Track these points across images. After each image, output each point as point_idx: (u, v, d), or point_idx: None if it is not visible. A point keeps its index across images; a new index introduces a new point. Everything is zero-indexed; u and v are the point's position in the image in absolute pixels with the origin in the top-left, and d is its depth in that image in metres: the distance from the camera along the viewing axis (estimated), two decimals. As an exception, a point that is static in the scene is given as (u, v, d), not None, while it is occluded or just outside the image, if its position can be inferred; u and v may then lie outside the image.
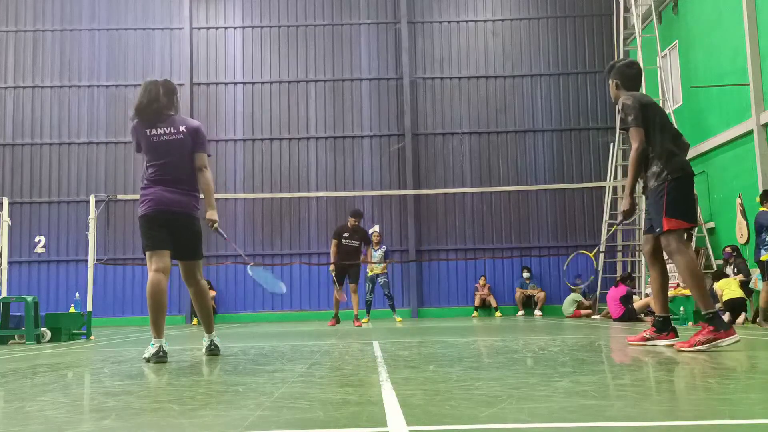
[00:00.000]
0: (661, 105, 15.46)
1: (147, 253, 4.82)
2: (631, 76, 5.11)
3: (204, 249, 5.39)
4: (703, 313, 4.56)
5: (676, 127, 5.00)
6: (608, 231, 15.39)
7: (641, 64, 14.68)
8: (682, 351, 4.44)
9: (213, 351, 5.08)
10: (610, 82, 5.17)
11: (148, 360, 4.62)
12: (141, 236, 4.88)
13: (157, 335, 4.67)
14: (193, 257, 5.00)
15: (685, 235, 5.01)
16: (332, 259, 11.52)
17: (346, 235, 11.44)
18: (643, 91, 5.33)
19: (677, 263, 4.65)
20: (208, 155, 5.01)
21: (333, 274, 11.53)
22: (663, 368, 3.59)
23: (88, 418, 2.38)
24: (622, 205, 4.95)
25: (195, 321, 16.28)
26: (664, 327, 5.04)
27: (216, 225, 5.10)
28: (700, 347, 4.39)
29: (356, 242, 11.45)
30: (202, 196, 5.06)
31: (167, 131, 4.84)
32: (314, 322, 15.11)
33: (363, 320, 12.54)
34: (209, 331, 5.15)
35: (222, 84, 17.85)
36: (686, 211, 4.69)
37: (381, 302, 15.27)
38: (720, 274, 10.16)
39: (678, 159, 4.77)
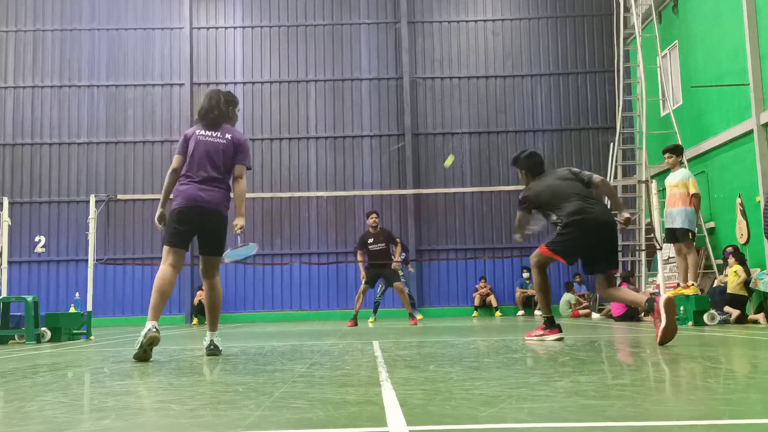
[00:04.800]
0: (661, 105, 15.62)
1: (165, 248, 5.01)
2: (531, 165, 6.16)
3: None
4: (542, 315, 5.94)
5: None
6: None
7: (642, 65, 14.73)
8: (527, 339, 5.89)
9: (213, 351, 5.07)
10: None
11: (144, 336, 4.56)
12: (165, 229, 5.08)
13: (153, 318, 4.72)
14: (215, 253, 5.17)
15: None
16: (361, 269, 11.32)
17: (371, 240, 11.14)
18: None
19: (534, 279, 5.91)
20: (248, 168, 5.29)
21: (363, 281, 11.23)
22: (663, 368, 3.59)
23: (88, 418, 2.38)
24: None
25: (195, 321, 16.29)
26: (551, 324, 5.92)
27: (240, 231, 5.29)
28: (533, 339, 5.82)
29: (382, 244, 11.15)
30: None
31: (214, 134, 5.18)
32: (314, 322, 15.11)
33: (369, 320, 12.69)
34: (212, 328, 5.17)
35: (222, 84, 17.84)
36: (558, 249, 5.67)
37: (388, 303, 15.32)
38: (742, 260, 10.28)
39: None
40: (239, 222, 5.28)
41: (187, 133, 5.26)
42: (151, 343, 4.57)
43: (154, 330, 4.59)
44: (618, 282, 12.85)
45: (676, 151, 9.42)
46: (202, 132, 5.19)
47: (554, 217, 5.69)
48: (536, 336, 5.84)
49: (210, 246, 5.15)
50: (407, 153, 17.42)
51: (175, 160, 5.18)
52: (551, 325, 5.83)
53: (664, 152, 9.55)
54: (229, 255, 5.29)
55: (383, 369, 3.69)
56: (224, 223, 5.15)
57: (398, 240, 12.00)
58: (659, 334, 4.87)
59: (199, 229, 5.07)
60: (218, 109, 5.21)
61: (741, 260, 10.31)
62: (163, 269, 4.92)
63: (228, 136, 5.20)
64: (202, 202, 4.99)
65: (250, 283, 17.20)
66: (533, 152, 6.28)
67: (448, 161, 11.22)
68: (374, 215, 11.39)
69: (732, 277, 9.87)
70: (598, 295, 15.11)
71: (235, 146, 5.19)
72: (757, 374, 3.33)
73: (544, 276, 5.82)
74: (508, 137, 17.69)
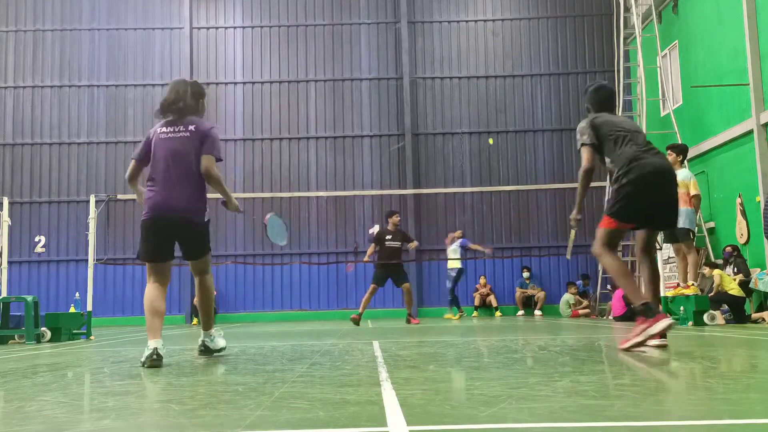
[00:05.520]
0: (661, 105, 15.62)
1: (147, 265, 4.63)
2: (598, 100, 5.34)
3: None
4: (633, 306, 4.63)
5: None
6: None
7: (641, 65, 14.72)
8: (623, 349, 4.50)
9: (203, 351, 4.91)
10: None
11: (143, 364, 4.28)
12: (140, 243, 4.67)
13: (152, 336, 4.35)
14: (195, 257, 4.82)
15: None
16: (366, 257, 12.01)
17: (388, 237, 11.52)
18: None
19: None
20: (219, 159, 4.67)
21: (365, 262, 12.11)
22: (663, 368, 3.59)
23: (88, 418, 2.38)
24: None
25: (195, 321, 16.28)
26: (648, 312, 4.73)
27: (236, 210, 5.00)
28: (635, 340, 4.45)
29: (398, 243, 11.54)
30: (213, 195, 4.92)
31: (175, 130, 4.65)
32: (314, 322, 15.11)
33: (451, 316, 14.33)
34: (205, 327, 4.96)
35: (222, 84, 17.85)
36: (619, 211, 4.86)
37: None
38: (713, 264, 10.38)
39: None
40: (232, 206, 4.91)
41: (149, 133, 4.77)
42: (152, 366, 4.18)
43: (155, 356, 4.18)
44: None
45: (677, 149, 9.42)
46: (164, 129, 4.68)
47: (609, 162, 4.95)
48: (639, 335, 4.47)
49: (190, 252, 4.80)
50: (407, 153, 17.42)
51: (129, 167, 4.80)
52: (649, 312, 4.49)
53: (666, 148, 9.58)
54: (272, 218, 5.17)
55: (383, 369, 3.69)
56: (200, 228, 4.69)
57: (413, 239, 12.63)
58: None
59: (174, 237, 4.66)
60: (184, 101, 4.70)
61: (715, 265, 10.35)
62: (148, 289, 4.56)
63: (191, 127, 4.64)
64: (169, 211, 4.54)
65: (250, 283, 17.19)
66: (603, 84, 5.46)
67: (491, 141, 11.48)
68: (397, 215, 11.86)
69: (718, 281, 9.81)
70: (598, 296, 15.11)
71: (201, 137, 4.61)
72: (757, 374, 3.32)
73: (616, 258, 4.88)
74: (508, 137, 17.68)
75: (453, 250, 14.78)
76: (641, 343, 4.44)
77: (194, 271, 4.91)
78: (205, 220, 4.73)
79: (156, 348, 4.22)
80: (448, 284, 14.80)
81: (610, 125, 5.00)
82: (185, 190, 4.57)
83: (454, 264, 14.71)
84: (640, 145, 4.84)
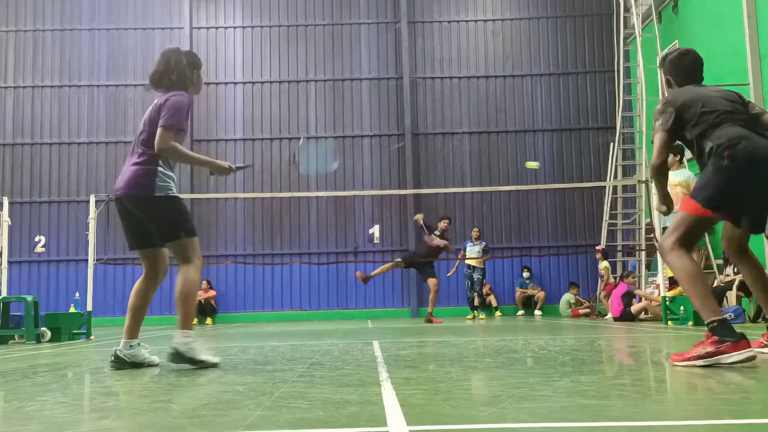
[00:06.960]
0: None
1: None
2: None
3: (203, 247, 4.98)
4: (706, 323, 3.61)
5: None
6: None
7: (642, 64, 14.72)
8: (675, 365, 3.60)
9: (174, 356, 4.03)
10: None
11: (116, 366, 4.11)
12: None
13: (123, 336, 4.19)
14: (165, 239, 4.20)
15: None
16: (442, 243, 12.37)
17: (437, 232, 12.34)
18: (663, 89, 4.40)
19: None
20: (179, 129, 4.09)
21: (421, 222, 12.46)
22: (663, 368, 3.59)
23: (88, 418, 2.38)
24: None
25: (195, 321, 16.28)
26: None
27: (231, 167, 4.40)
28: (696, 362, 3.51)
29: (441, 243, 12.20)
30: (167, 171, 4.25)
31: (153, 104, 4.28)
32: (314, 322, 15.11)
33: (468, 317, 14.34)
34: (180, 325, 4.12)
35: (222, 84, 17.85)
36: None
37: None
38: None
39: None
40: (219, 170, 4.36)
41: None
42: (113, 368, 4.07)
43: (112, 357, 4.11)
44: (616, 281, 12.76)
45: (675, 150, 9.42)
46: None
47: (697, 140, 3.95)
48: (705, 358, 3.50)
49: (157, 234, 4.21)
50: (407, 153, 17.42)
51: None
52: (727, 332, 3.54)
53: None
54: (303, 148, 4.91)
55: (383, 369, 3.69)
56: (154, 205, 4.09)
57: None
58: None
59: (138, 220, 4.20)
60: (176, 73, 4.23)
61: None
62: (136, 283, 4.34)
63: (159, 102, 4.17)
64: (118, 191, 4.18)
65: (250, 283, 17.19)
66: (687, 50, 4.32)
67: (532, 165, 11.81)
68: (445, 222, 12.59)
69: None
70: (598, 296, 15.10)
71: (159, 109, 4.11)
72: (757, 374, 3.32)
73: (689, 259, 3.78)
74: (508, 137, 17.68)
75: (477, 252, 14.87)
76: (703, 366, 3.48)
77: (177, 261, 4.25)
78: (157, 195, 4.09)
79: (115, 349, 4.15)
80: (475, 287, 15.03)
81: (699, 104, 3.98)
82: (131, 166, 4.15)
83: (478, 264, 14.99)
84: (745, 122, 3.90)
